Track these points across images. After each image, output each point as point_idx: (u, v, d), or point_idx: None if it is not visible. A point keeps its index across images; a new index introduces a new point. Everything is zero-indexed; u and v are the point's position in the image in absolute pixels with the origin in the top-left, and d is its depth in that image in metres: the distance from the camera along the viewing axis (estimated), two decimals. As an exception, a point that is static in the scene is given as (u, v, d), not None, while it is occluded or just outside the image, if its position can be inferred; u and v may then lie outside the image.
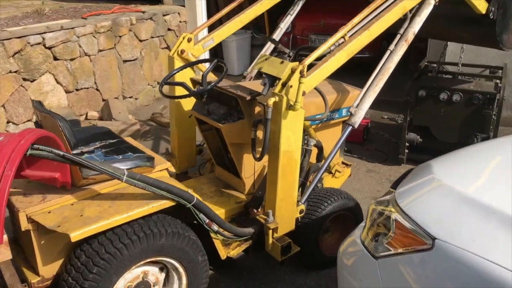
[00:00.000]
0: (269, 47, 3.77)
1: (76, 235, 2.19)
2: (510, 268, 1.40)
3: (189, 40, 3.38)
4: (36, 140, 2.06)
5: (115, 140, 2.79)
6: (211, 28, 3.81)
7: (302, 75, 2.51)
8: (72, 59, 5.32)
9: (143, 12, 6.43)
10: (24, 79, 4.84)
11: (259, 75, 3.19)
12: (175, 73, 3.12)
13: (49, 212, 2.31)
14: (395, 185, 2.14)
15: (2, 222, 1.79)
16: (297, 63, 2.56)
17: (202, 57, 3.64)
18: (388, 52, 2.96)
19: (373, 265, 1.86)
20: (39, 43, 4.91)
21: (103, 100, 5.84)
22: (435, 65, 5.02)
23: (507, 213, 1.61)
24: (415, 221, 1.73)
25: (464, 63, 5.04)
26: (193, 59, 3.41)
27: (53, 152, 2.10)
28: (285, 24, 3.84)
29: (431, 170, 2.05)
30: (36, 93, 4.99)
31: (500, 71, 4.87)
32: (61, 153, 2.12)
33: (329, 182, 3.48)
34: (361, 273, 1.98)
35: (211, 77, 3.21)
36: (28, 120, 4.97)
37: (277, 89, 2.55)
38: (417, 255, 1.65)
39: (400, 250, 1.74)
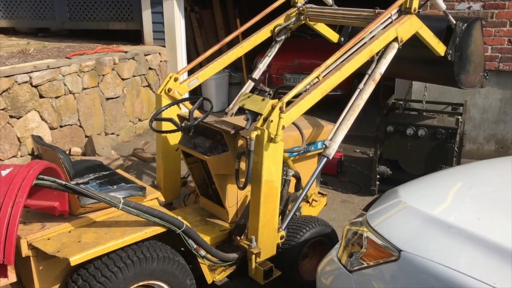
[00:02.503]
0: (249, 85, 4.06)
1: (75, 259, 2.35)
2: (462, 271, 1.66)
3: (175, 80, 3.65)
4: (41, 171, 2.25)
5: (108, 172, 2.99)
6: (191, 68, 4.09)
7: (281, 111, 2.78)
8: (57, 97, 5.51)
9: (126, 52, 6.71)
10: (11, 116, 5.00)
11: (240, 111, 3.46)
12: (164, 110, 3.37)
13: (49, 239, 2.47)
14: (367, 208, 2.40)
15: (14, 244, 1.96)
16: (276, 100, 2.84)
17: (185, 95, 3.90)
18: (358, 90, 3.25)
19: (349, 279, 2.09)
20: (26, 82, 5.09)
21: (86, 136, 6.01)
22: (402, 102, 5.39)
23: (462, 227, 1.88)
24: (384, 237, 1.98)
25: (428, 101, 5.43)
26: (179, 97, 3.66)
27: (56, 182, 2.29)
28: (263, 65, 4.15)
29: (397, 194, 2.32)
30: (22, 129, 5.13)
31: (461, 107, 5.26)
32: (64, 182, 2.31)
33: (307, 210, 3.72)
34: (338, 288, 2.21)
35: (196, 113, 3.46)
36: (13, 156, 5.09)
37: (259, 123, 2.81)
38: (386, 266, 1.90)
39: (371, 263, 1.99)
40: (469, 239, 1.82)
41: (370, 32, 3.31)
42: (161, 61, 7.31)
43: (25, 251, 2.41)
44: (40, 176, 2.24)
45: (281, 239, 3.10)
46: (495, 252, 1.72)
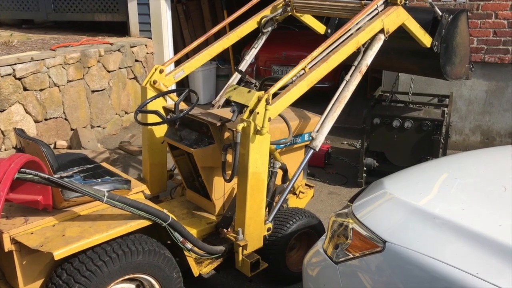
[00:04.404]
0: (236, 77, 4.03)
1: (59, 254, 2.32)
2: (446, 261, 1.67)
3: (161, 71, 3.61)
4: (23, 165, 2.21)
5: (92, 165, 2.95)
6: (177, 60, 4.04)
7: (267, 103, 2.77)
8: (41, 90, 5.43)
9: (111, 44, 6.62)
10: (-6, 109, 4.93)
11: (227, 103, 3.44)
12: (149, 102, 3.33)
13: (32, 233, 2.44)
14: (352, 199, 2.40)
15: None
16: (263, 92, 2.82)
17: (171, 87, 3.86)
18: (344, 82, 3.25)
19: (334, 270, 2.10)
20: (9, 74, 5.01)
21: (72, 129, 5.94)
22: (388, 94, 5.40)
23: (446, 218, 1.89)
24: (370, 228, 1.99)
25: (414, 92, 5.45)
26: (165, 89, 3.63)
27: (38, 176, 2.25)
28: (250, 57, 4.13)
29: (383, 185, 2.32)
30: (6, 122, 5.05)
31: (447, 99, 5.28)
32: (46, 176, 2.28)
33: (294, 202, 3.72)
34: (324, 279, 2.21)
35: (182, 105, 3.43)
36: (-3, 150, 5.03)
37: (245, 115, 2.79)
38: (371, 257, 1.90)
39: (357, 254, 1.99)
40: (454, 230, 1.83)
41: (357, 24, 3.30)
42: (147, 53, 7.24)
43: (8, 246, 2.38)
44: (22, 169, 2.20)
45: (268, 231, 3.10)
46: (479, 242, 1.73)
